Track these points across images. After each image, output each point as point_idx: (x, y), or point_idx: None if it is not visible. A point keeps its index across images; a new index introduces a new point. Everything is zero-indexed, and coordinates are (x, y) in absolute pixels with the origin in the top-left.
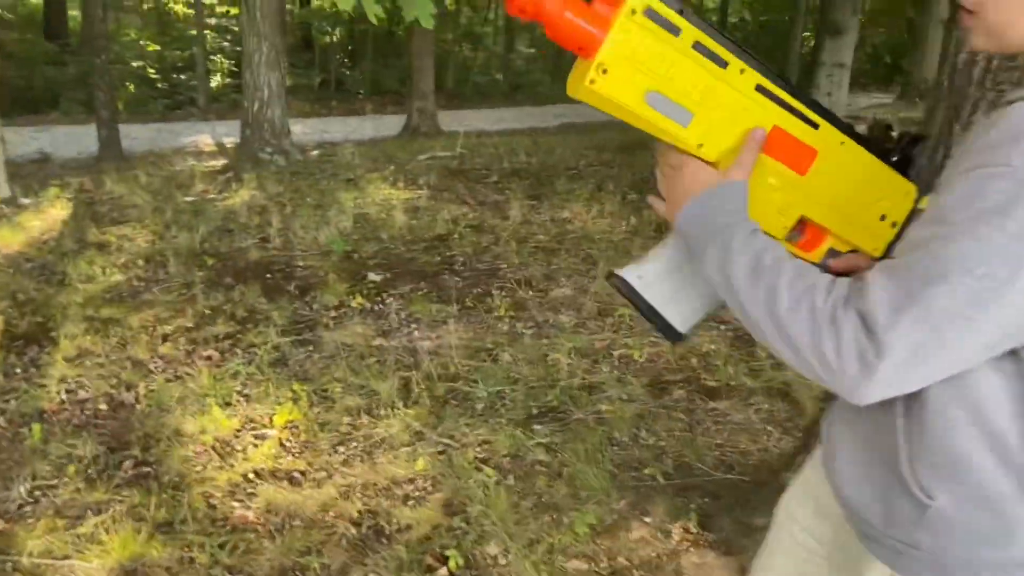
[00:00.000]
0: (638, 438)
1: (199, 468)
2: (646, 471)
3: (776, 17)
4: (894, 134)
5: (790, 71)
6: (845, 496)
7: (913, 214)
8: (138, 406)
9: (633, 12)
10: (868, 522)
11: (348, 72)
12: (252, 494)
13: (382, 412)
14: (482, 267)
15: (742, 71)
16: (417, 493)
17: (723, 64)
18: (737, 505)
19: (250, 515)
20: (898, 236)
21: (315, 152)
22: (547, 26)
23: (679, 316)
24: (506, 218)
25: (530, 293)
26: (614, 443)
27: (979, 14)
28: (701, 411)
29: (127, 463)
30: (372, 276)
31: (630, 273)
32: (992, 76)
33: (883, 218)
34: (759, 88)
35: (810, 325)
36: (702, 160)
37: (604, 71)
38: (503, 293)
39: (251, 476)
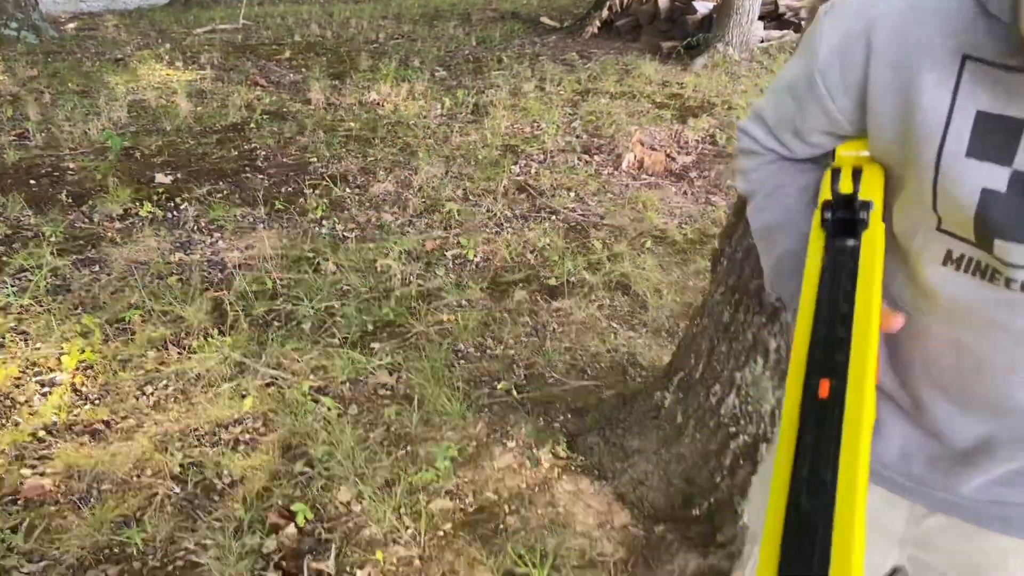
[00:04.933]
0: (485, 348)
1: None
2: (499, 386)
3: None
4: None
5: None
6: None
7: None
8: None
9: None
10: None
11: None
12: (46, 457)
13: (193, 343)
14: (289, 162)
15: None
16: (247, 436)
17: None
18: (606, 422)
19: (46, 484)
20: None
21: (71, 26)
22: None
23: None
24: (308, 102)
25: (347, 190)
26: (461, 356)
27: None
28: (545, 312)
29: None
30: (160, 177)
31: None
32: None
33: None
34: None
35: None
36: None
37: None
38: (317, 192)
39: (42, 434)
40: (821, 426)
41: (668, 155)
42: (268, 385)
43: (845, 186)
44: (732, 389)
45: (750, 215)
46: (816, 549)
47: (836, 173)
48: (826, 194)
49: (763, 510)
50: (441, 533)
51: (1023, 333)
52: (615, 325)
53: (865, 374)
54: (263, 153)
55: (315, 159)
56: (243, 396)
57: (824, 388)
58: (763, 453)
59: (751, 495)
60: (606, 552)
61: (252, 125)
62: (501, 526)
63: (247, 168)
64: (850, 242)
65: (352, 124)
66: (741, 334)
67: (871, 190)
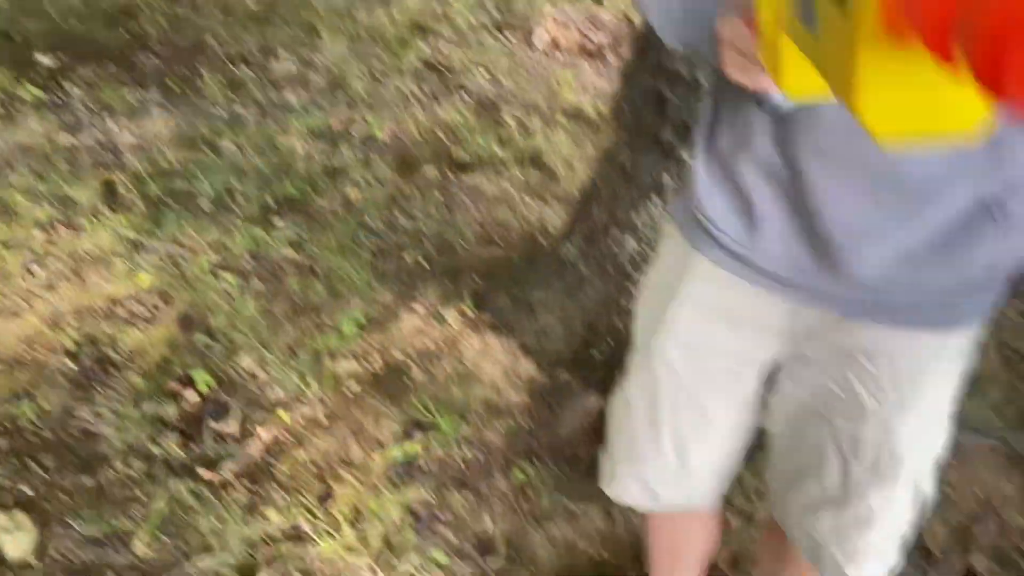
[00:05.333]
0: (393, 223)
1: None
2: (408, 257)
3: None
4: None
5: None
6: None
7: None
8: None
9: None
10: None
11: None
12: None
13: (84, 222)
14: (183, 43)
15: None
16: (145, 312)
17: None
18: (512, 282)
19: None
20: None
21: None
22: None
23: None
24: None
25: (246, 71)
26: (368, 231)
27: None
28: (455, 187)
29: None
30: (42, 59)
31: None
32: None
33: None
34: None
35: None
36: None
37: None
38: (214, 72)
39: None
40: None
41: (583, 33)
42: (166, 262)
43: None
44: (632, 232)
45: None
46: None
47: None
48: None
49: (649, 320)
50: (347, 393)
51: None
52: (526, 197)
53: None
54: (155, 34)
55: (212, 40)
56: (139, 273)
57: None
58: None
59: (638, 309)
60: (511, 400)
61: (142, 6)
62: (408, 382)
63: (138, 50)
64: None
65: (250, 4)
66: (639, 177)
67: None
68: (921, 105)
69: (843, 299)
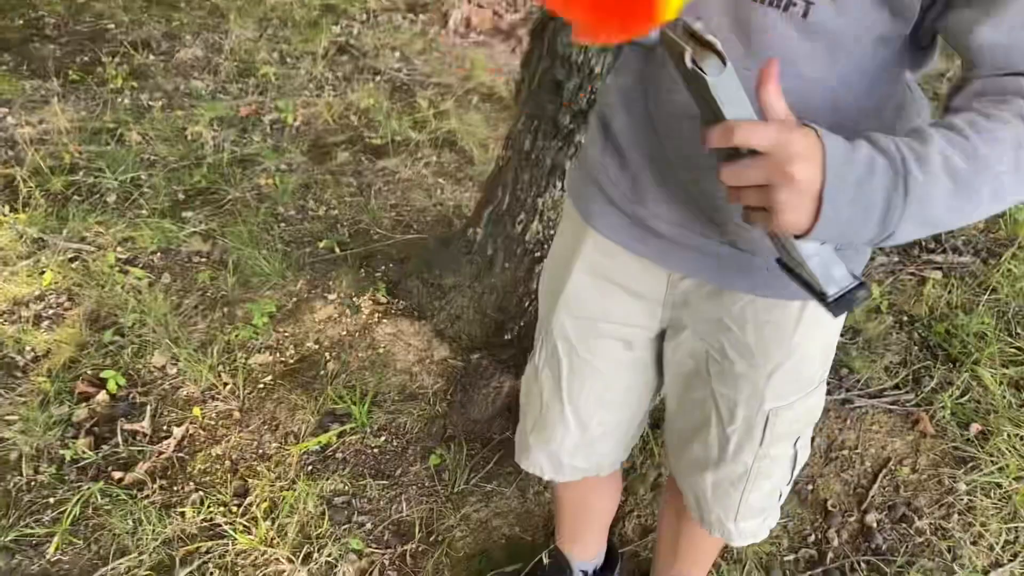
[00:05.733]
0: (306, 210)
1: None
2: (321, 245)
3: None
4: None
5: None
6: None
7: None
8: None
9: None
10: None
11: None
12: None
13: None
14: (83, 29)
15: None
16: (50, 311)
17: None
18: (424, 267)
19: None
20: None
21: None
22: None
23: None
24: None
25: (151, 57)
26: (280, 219)
27: None
28: (370, 172)
29: None
30: None
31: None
32: None
33: None
34: None
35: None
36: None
37: None
38: (116, 60)
39: None
40: None
41: (496, 13)
42: (71, 260)
43: None
44: (535, 215)
45: None
46: None
47: None
48: None
49: (548, 294)
50: (261, 386)
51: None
52: (441, 181)
53: None
54: (52, 21)
55: (112, 25)
56: (43, 272)
57: None
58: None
59: (540, 286)
60: (425, 385)
61: None
62: (322, 372)
63: (34, 37)
64: None
65: None
66: (541, 161)
67: None
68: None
69: (714, 266)
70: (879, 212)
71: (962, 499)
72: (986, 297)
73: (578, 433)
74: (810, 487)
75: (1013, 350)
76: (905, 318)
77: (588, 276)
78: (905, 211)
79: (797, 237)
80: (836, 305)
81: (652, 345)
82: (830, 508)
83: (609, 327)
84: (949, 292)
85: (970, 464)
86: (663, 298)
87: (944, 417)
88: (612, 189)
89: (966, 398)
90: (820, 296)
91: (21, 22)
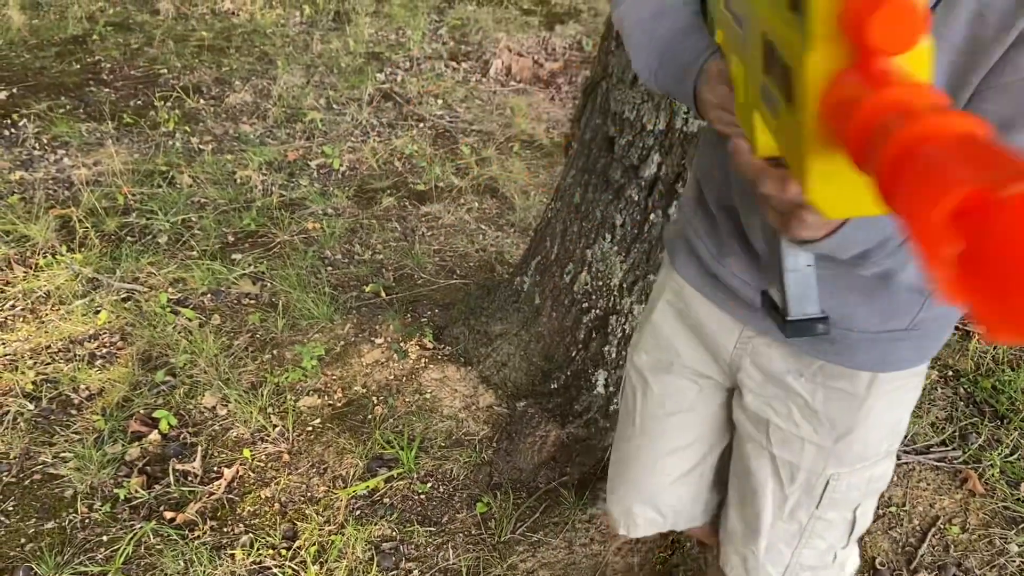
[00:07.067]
0: (352, 254)
1: None
2: (367, 289)
3: None
4: None
5: None
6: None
7: None
8: None
9: None
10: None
11: None
12: None
13: (40, 261)
14: (137, 74)
15: None
16: (104, 351)
17: None
18: (470, 313)
19: None
20: None
21: None
22: None
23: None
24: (156, 12)
25: (201, 102)
26: (327, 263)
27: None
28: (413, 217)
29: None
30: None
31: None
32: None
33: None
34: None
35: None
36: None
37: None
38: (169, 104)
39: None
40: None
41: (536, 61)
42: (124, 300)
43: None
44: (584, 267)
45: (625, 13)
46: None
47: None
48: None
49: (635, 334)
50: (310, 428)
51: None
52: (483, 227)
53: None
54: (108, 66)
55: (165, 71)
56: (97, 312)
57: None
58: (613, 324)
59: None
60: (472, 431)
61: (95, 37)
62: (370, 416)
63: (91, 82)
64: None
65: (205, 34)
66: (590, 213)
67: None
68: (859, 191)
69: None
70: (883, 236)
71: (1014, 560)
72: None
73: (649, 473)
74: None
75: None
76: (950, 373)
77: (670, 314)
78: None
79: (800, 243)
80: (793, 327)
81: (721, 397)
82: (878, 567)
83: (681, 367)
84: (994, 348)
85: (1021, 525)
86: (731, 351)
87: (993, 475)
88: (699, 244)
89: (1015, 456)
90: (782, 314)
91: (78, 67)
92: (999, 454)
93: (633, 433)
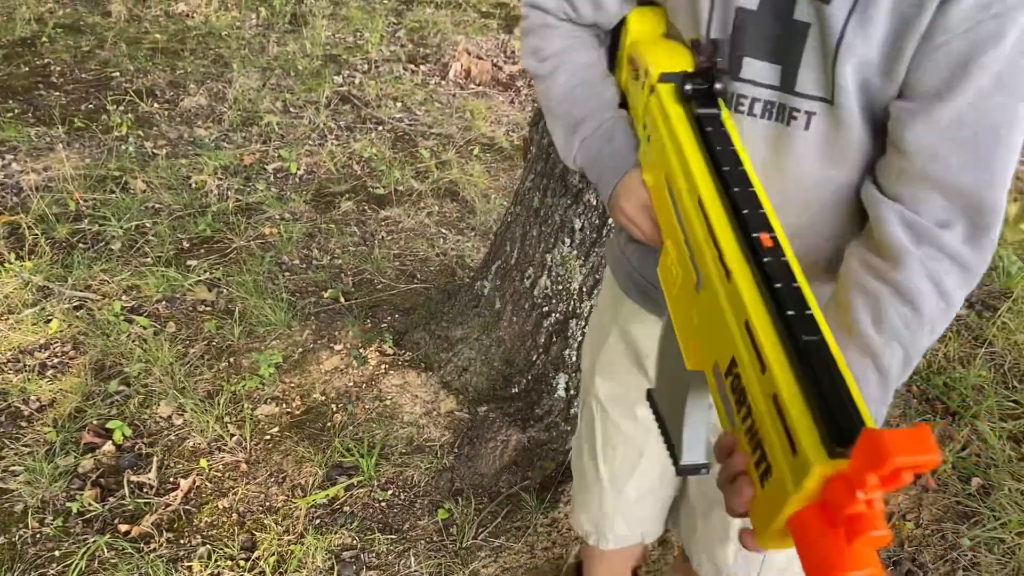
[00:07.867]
0: (311, 259)
1: None
2: (326, 294)
3: None
4: None
5: None
6: None
7: None
8: None
9: None
10: None
11: None
12: None
13: None
14: (88, 77)
15: None
16: (56, 360)
17: None
18: (431, 318)
19: None
20: None
21: None
22: None
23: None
24: (108, 14)
25: (155, 105)
26: (285, 269)
27: None
28: (373, 221)
29: None
30: None
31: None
32: None
33: None
34: None
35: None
36: None
37: None
38: (121, 108)
39: None
40: (780, 271)
41: (495, 64)
42: (76, 308)
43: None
44: (544, 271)
45: (545, 91)
46: (836, 376)
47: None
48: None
49: (588, 360)
50: (268, 437)
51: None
52: (444, 230)
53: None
54: (58, 69)
55: (117, 74)
56: (48, 321)
57: (767, 240)
58: (573, 328)
59: (583, 346)
60: (433, 437)
61: (44, 39)
62: (329, 424)
63: (40, 85)
64: (714, 111)
65: (158, 36)
66: (549, 217)
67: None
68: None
69: None
70: None
71: (966, 555)
72: (983, 350)
73: (614, 496)
74: None
75: (1011, 403)
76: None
77: (622, 342)
78: None
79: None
80: (681, 468)
81: None
82: None
83: (640, 394)
84: (946, 345)
85: (973, 519)
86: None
87: (945, 471)
88: (631, 257)
89: (966, 452)
90: (673, 456)
91: (27, 69)
92: (951, 450)
93: (595, 455)
